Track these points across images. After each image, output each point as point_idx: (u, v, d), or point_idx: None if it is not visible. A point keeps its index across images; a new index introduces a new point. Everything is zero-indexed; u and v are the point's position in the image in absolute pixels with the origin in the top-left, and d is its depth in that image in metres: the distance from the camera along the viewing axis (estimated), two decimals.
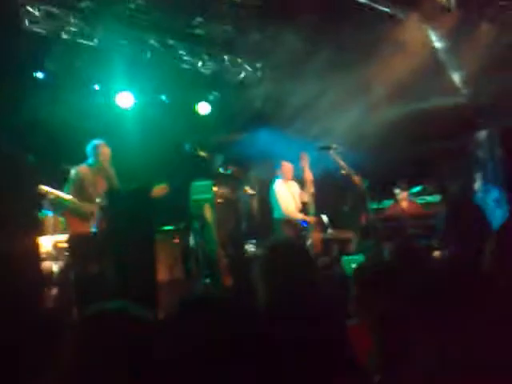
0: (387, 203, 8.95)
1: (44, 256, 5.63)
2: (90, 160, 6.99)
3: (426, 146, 9.33)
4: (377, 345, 2.69)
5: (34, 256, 4.52)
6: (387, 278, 3.02)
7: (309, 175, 8.45)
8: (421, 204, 8.97)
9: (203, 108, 9.73)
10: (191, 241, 7.30)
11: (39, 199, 6.08)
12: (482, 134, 8.88)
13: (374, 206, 8.45)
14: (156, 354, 1.54)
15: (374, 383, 2.53)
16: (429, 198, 9.16)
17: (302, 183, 8.58)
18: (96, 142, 7.03)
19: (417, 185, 9.34)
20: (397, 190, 8.72)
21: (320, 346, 2.50)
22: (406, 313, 2.16)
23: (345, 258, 7.68)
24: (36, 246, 4.59)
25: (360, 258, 7.06)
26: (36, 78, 8.07)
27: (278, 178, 8.57)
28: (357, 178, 8.12)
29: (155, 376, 1.49)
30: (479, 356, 1.72)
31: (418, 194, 9.29)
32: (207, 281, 6.93)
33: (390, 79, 8.68)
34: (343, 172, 8.17)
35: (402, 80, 8.59)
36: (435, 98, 9.17)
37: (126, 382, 1.47)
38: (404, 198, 8.66)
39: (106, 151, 7.00)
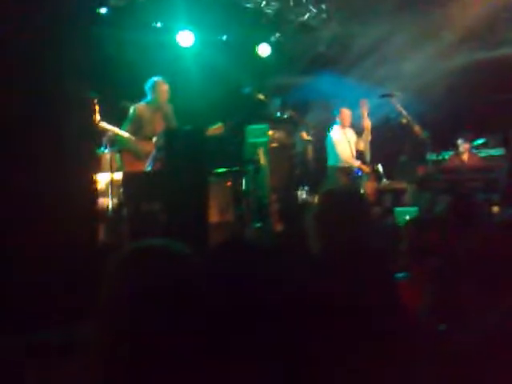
0: (447, 155, 8.71)
1: (100, 193, 5.71)
2: (149, 97, 7.02)
3: (491, 97, 8.99)
4: (428, 300, 2.64)
5: (91, 192, 4.59)
6: (441, 232, 2.96)
7: (367, 123, 8.31)
8: (483, 157, 8.71)
9: (264, 49, 9.57)
10: (244, 184, 7.28)
11: (98, 136, 6.14)
12: None
13: (433, 157, 8.25)
14: (197, 295, 1.53)
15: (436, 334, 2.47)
16: (492, 152, 8.88)
17: (359, 131, 8.44)
18: (155, 79, 7.04)
19: (480, 137, 9.05)
20: (459, 142, 8.47)
21: (370, 298, 2.46)
22: (458, 271, 2.10)
23: (398, 210, 7.56)
24: (93, 183, 4.66)
25: (414, 210, 6.93)
26: (99, 13, 8.06)
27: (335, 123, 8.44)
28: (417, 128, 7.93)
29: (195, 315, 1.48)
30: None
31: (481, 146, 9.01)
32: (258, 225, 6.93)
33: (460, 25, 8.33)
34: (403, 121, 7.98)
35: (472, 27, 8.24)
36: (505, 48, 8.79)
37: (164, 319, 1.46)
38: (465, 151, 8.41)
39: (164, 88, 7.01)
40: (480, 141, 9.03)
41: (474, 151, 8.71)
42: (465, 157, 8.39)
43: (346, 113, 8.43)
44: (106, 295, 1.53)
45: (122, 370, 1.45)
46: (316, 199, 3.41)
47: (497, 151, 8.88)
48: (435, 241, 2.87)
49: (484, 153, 8.85)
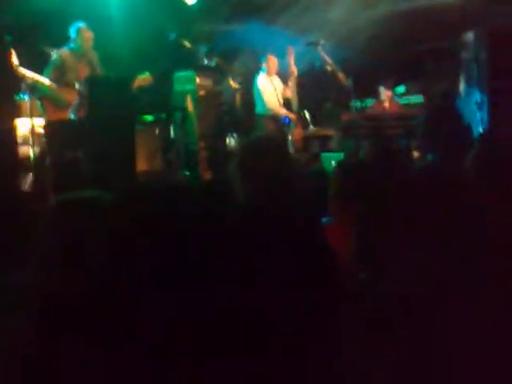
0: (370, 102, 8.88)
1: (20, 140, 5.57)
2: (72, 44, 6.82)
3: (412, 46, 9.17)
4: (355, 244, 2.72)
5: (10, 139, 4.47)
6: (366, 177, 3.04)
7: (294, 70, 8.34)
8: (404, 104, 8.92)
9: None
10: (172, 132, 7.24)
11: (16, 82, 5.94)
12: (469, 36, 8.73)
13: (357, 104, 8.40)
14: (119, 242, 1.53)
15: (358, 282, 2.56)
16: (412, 99, 9.11)
17: (285, 78, 8.46)
18: (79, 25, 6.83)
19: (401, 85, 9.25)
20: (380, 89, 8.63)
21: (297, 244, 2.52)
22: (384, 214, 2.17)
23: (325, 155, 7.72)
24: (12, 129, 4.53)
25: (340, 155, 7.08)
26: None
27: (262, 71, 8.42)
28: (341, 76, 8.03)
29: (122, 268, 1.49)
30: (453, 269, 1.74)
31: (402, 94, 9.22)
32: (186, 173, 6.94)
33: None
34: (328, 68, 8.06)
35: None
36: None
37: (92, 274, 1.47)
38: (387, 98, 8.59)
39: (88, 35, 6.83)
40: (401, 89, 9.23)
41: (395, 98, 8.91)
42: (386, 104, 8.57)
43: (273, 60, 8.40)
44: (36, 248, 1.53)
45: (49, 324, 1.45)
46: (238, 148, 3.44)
47: (416, 98, 9.11)
48: (359, 185, 2.95)
49: (404, 100, 9.07)
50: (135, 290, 1.46)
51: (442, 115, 3.81)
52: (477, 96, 7.91)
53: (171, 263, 1.47)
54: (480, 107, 7.67)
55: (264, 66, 8.37)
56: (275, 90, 8.35)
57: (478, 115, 7.67)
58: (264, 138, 3.26)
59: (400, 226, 2.02)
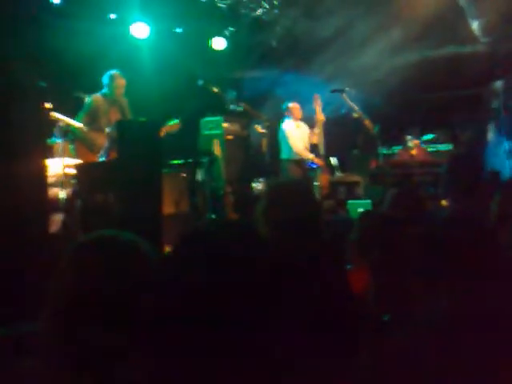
0: (397, 149, 8.90)
1: (51, 182, 5.67)
2: (105, 90, 7.07)
3: (440, 93, 9.20)
4: (373, 288, 2.72)
5: (41, 181, 4.55)
6: (387, 225, 3.04)
7: (320, 117, 8.42)
8: (431, 152, 8.91)
9: (218, 43, 9.58)
10: (199, 176, 7.31)
11: (50, 126, 6.09)
12: (498, 84, 8.75)
13: (384, 151, 8.41)
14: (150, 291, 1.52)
15: (370, 328, 2.55)
16: (440, 147, 9.09)
17: (312, 124, 8.54)
18: (112, 72, 7.08)
19: (429, 133, 9.26)
20: (408, 137, 8.65)
21: (320, 289, 2.52)
22: (403, 261, 2.17)
23: (351, 202, 7.70)
24: (43, 172, 4.62)
25: (367, 203, 7.07)
26: (52, 4, 7.95)
27: (287, 117, 8.52)
28: (368, 122, 8.07)
29: (145, 313, 1.47)
30: (475, 311, 1.73)
31: (430, 141, 9.22)
32: (212, 216, 6.98)
33: (409, 23, 8.50)
34: (355, 115, 8.11)
35: (421, 25, 8.41)
36: (453, 46, 9.00)
37: (113, 313, 1.46)
38: (415, 145, 8.60)
39: (121, 82, 7.06)
40: (429, 136, 9.24)
41: (423, 146, 8.91)
42: (414, 151, 8.57)
43: (295, 107, 8.51)
44: (57, 289, 1.51)
45: (70, 368, 1.44)
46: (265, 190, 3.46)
47: (445, 146, 9.10)
48: (379, 233, 2.95)
49: (433, 148, 9.06)
50: (156, 333, 1.45)
51: (461, 164, 3.81)
52: (506, 144, 7.90)
53: (192, 306, 1.46)
54: (510, 156, 7.64)
55: (286, 113, 8.48)
56: (301, 135, 8.43)
57: (508, 163, 7.64)
58: (290, 182, 3.28)
59: (418, 274, 2.01)
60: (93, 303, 1.44)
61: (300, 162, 8.29)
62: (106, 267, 1.48)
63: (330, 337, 2.24)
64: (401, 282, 2.27)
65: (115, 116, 6.95)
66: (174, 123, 6.88)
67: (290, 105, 8.50)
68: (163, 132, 6.62)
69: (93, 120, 6.86)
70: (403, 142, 8.71)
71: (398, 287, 2.41)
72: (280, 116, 8.63)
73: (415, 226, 2.81)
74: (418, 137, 8.77)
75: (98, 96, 7.01)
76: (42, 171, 4.52)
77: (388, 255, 2.73)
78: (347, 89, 8.13)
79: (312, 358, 1.98)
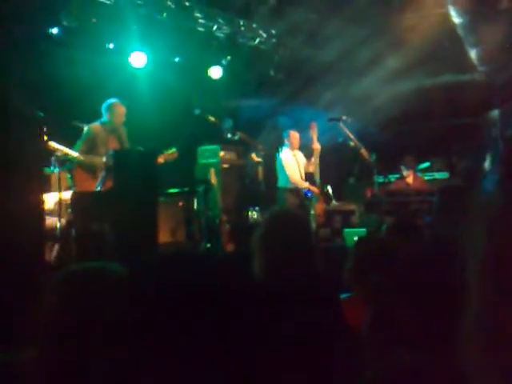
0: (393, 178, 8.92)
1: (48, 212, 5.67)
2: (104, 118, 7.07)
3: (437, 122, 9.27)
4: (368, 319, 2.70)
5: (38, 212, 4.55)
6: (384, 251, 3.05)
7: (317, 145, 8.46)
8: (428, 180, 8.94)
9: (215, 72, 9.65)
10: (195, 205, 7.32)
11: (47, 155, 6.11)
12: (496, 113, 8.79)
13: (380, 180, 8.44)
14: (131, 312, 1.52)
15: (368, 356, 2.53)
16: (436, 175, 9.13)
17: (308, 153, 8.58)
18: (112, 100, 7.10)
19: (425, 161, 9.30)
20: (403, 166, 8.68)
21: (313, 318, 2.51)
22: (398, 288, 2.16)
23: (347, 231, 7.70)
24: (40, 202, 4.62)
25: (362, 231, 7.07)
26: (51, 34, 8.03)
27: (284, 146, 8.56)
28: (364, 151, 8.10)
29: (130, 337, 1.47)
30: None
31: (426, 170, 9.26)
32: (208, 245, 6.97)
33: (405, 52, 8.59)
34: (351, 144, 8.15)
35: (419, 53, 8.49)
36: (451, 75, 9.08)
37: (99, 341, 1.46)
38: (411, 174, 8.63)
39: (121, 111, 7.08)
40: (425, 164, 9.28)
41: (419, 174, 8.94)
42: (409, 180, 8.60)
43: (295, 135, 8.57)
44: (44, 319, 1.51)
45: None
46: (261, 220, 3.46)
47: (441, 175, 9.13)
48: (375, 259, 2.96)
49: (429, 176, 9.09)
50: (146, 362, 1.45)
51: (452, 194, 3.81)
52: None
53: (185, 333, 1.46)
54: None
55: (286, 141, 8.54)
56: (298, 164, 8.47)
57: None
58: (286, 212, 3.29)
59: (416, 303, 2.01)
60: (78, 331, 1.44)
61: (296, 191, 8.30)
62: (90, 298, 1.48)
63: (322, 370, 2.23)
64: (396, 310, 2.26)
65: (113, 145, 6.95)
66: (171, 152, 6.90)
67: (291, 132, 8.54)
68: (161, 160, 6.64)
69: (91, 149, 6.85)
70: (399, 171, 8.74)
71: (393, 315, 2.40)
72: (276, 144, 8.66)
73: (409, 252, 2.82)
74: (414, 165, 8.79)
75: (96, 125, 7.00)
76: (39, 202, 4.53)
77: (385, 280, 2.73)
78: (344, 117, 8.17)
79: None
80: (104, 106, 7.08)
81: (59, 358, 1.44)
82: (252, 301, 2.00)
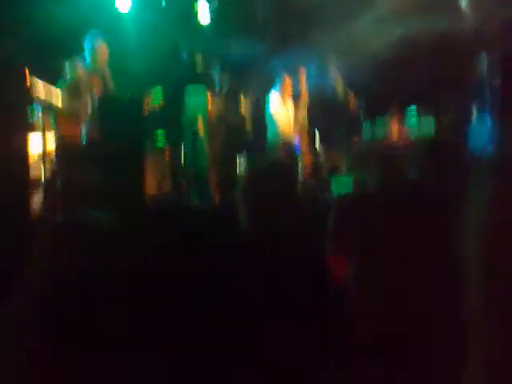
0: (381, 127, 8.89)
1: (32, 158, 5.61)
2: (87, 60, 6.93)
3: (424, 70, 9.18)
4: (351, 273, 2.74)
5: (22, 155, 4.51)
6: (369, 203, 3.06)
7: (305, 92, 8.37)
8: (414, 129, 8.89)
9: (204, 15, 9.44)
10: (182, 155, 7.28)
11: (30, 95, 6.00)
12: (483, 61, 8.73)
13: (368, 129, 8.40)
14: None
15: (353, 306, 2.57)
16: (423, 124, 9.08)
17: (296, 100, 8.49)
18: (95, 41, 6.95)
19: (412, 109, 9.25)
20: (391, 114, 8.65)
21: (297, 268, 2.54)
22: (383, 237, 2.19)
23: (334, 179, 7.72)
24: (24, 145, 4.58)
25: (350, 180, 7.07)
26: None
27: (275, 92, 8.43)
28: (353, 98, 8.05)
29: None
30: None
31: (412, 115, 9.21)
32: (195, 197, 6.96)
33: None
34: (340, 90, 8.08)
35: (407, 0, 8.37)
36: (440, 22, 8.95)
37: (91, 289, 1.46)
38: (397, 122, 8.59)
39: (103, 51, 6.93)
40: (412, 113, 9.23)
41: (406, 123, 8.91)
42: (395, 131, 8.57)
43: (288, 82, 8.43)
44: (34, 269, 1.51)
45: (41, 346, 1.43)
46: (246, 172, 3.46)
47: (428, 123, 9.09)
48: (358, 214, 2.97)
49: (415, 125, 9.04)
50: (128, 312, 1.46)
51: (439, 145, 3.82)
52: (489, 123, 7.93)
53: (170, 284, 1.48)
54: (492, 134, 7.67)
55: (279, 87, 8.38)
56: (288, 112, 8.38)
57: (490, 142, 7.67)
58: (272, 161, 3.29)
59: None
60: (70, 283, 1.42)
61: (285, 142, 8.26)
62: (84, 247, 1.48)
63: (305, 319, 2.26)
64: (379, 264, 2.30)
65: (97, 86, 6.81)
66: (156, 92, 6.80)
67: (283, 79, 8.39)
68: (146, 103, 6.53)
69: (73, 90, 6.73)
70: (387, 120, 8.71)
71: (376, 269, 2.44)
72: (266, 91, 8.56)
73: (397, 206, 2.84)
74: (401, 113, 8.76)
75: (78, 65, 6.87)
76: (23, 145, 4.48)
77: (369, 237, 2.75)
78: (334, 63, 8.07)
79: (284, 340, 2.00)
80: (86, 46, 6.94)
81: (50, 307, 1.44)
82: (240, 250, 2.02)
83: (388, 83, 9.22)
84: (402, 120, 8.71)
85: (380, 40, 8.64)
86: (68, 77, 6.78)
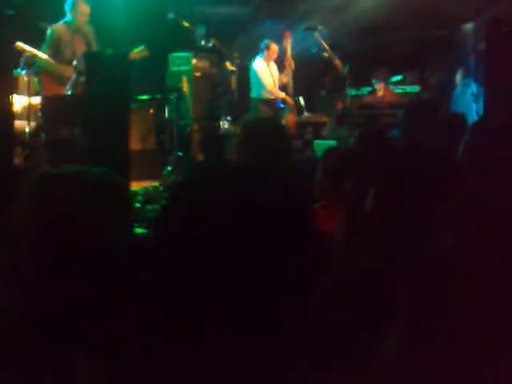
0: (365, 90, 8.90)
1: (17, 116, 5.58)
2: (68, 18, 6.80)
3: (410, 34, 9.17)
4: (343, 224, 2.76)
5: (7, 113, 4.49)
6: (353, 161, 3.09)
7: (290, 55, 8.34)
8: (400, 93, 8.93)
9: None
10: (166, 113, 7.25)
11: (14, 56, 5.94)
12: (468, 26, 8.75)
13: (352, 92, 8.41)
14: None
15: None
16: (408, 89, 9.11)
17: (281, 63, 8.45)
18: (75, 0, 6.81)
19: (397, 74, 9.27)
20: (373, 81, 8.65)
21: (286, 225, 2.54)
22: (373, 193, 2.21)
23: (317, 143, 7.76)
24: (9, 104, 4.55)
25: (333, 143, 7.12)
26: None
27: (259, 55, 8.38)
28: (338, 63, 8.03)
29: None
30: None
31: (398, 83, 9.23)
32: (179, 153, 6.96)
33: None
34: (325, 55, 8.06)
35: None
36: None
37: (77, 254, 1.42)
38: (382, 87, 8.60)
39: (84, 8, 6.81)
40: (397, 78, 9.25)
41: (391, 87, 8.92)
42: (381, 93, 8.58)
43: (274, 47, 8.34)
44: (17, 220, 1.46)
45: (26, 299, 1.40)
46: (237, 130, 3.47)
47: (413, 88, 9.12)
48: (347, 167, 3.00)
49: (400, 89, 9.07)
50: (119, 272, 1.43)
51: (419, 112, 3.83)
52: (473, 87, 7.97)
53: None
54: (476, 99, 7.71)
55: (265, 51, 8.32)
56: (272, 75, 8.35)
57: (474, 106, 7.73)
58: (266, 120, 3.29)
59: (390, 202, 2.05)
60: (56, 238, 1.42)
61: (269, 102, 8.24)
62: (73, 199, 1.42)
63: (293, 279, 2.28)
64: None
65: (80, 46, 6.76)
66: (140, 49, 6.74)
67: (271, 44, 8.32)
68: (130, 58, 6.47)
69: (57, 51, 6.65)
70: (371, 84, 8.71)
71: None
72: (251, 54, 8.51)
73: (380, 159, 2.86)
74: (386, 79, 8.76)
75: (60, 25, 6.77)
76: (8, 103, 4.46)
77: (358, 187, 2.77)
78: (320, 27, 8.03)
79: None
80: (67, 4, 6.79)
81: (35, 259, 1.42)
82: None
83: (374, 48, 9.21)
84: (386, 87, 8.71)
85: (368, 4, 8.61)
86: (50, 38, 6.69)
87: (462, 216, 1.77)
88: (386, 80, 8.71)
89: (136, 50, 6.67)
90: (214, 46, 8.29)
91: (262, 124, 2.97)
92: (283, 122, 8.01)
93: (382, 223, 1.98)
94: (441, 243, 1.59)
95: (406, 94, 8.84)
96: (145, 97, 7.36)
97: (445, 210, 1.82)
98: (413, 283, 1.43)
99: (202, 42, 8.31)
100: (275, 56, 8.38)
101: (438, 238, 1.67)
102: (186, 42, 8.48)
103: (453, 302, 1.33)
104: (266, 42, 8.33)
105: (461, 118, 4.41)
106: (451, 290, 1.34)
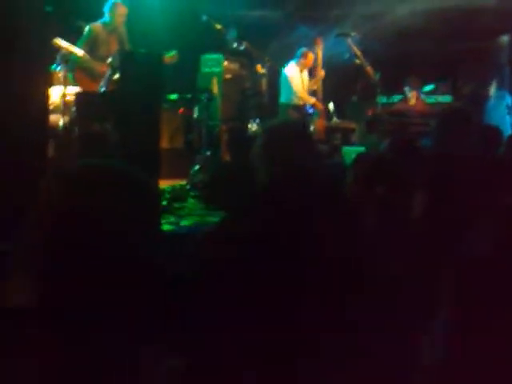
0: (396, 98, 8.86)
1: (51, 108, 5.66)
2: (106, 18, 7.01)
3: (444, 45, 9.12)
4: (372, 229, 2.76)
5: (43, 107, 4.56)
6: (384, 167, 3.09)
7: (321, 62, 8.32)
8: (431, 103, 8.87)
9: None
10: (195, 113, 7.30)
11: (52, 52, 6.04)
12: (505, 39, 8.68)
13: (383, 99, 8.38)
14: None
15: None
16: (440, 98, 9.05)
17: (312, 69, 8.45)
18: (114, 0, 6.97)
19: (430, 83, 9.21)
20: (406, 89, 8.60)
21: (312, 229, 2.55)
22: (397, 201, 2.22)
23: (346, 149, 7.74)
24: (45, 98, 4.63)
25: (361, 149, 7.10)
26: None
27: (293, 61, 8.36)
28: (370, 69, 8.01)
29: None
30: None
31: (430, 92, 9.17)
32: (207, 153, 7.00)
33: None
34: (357, 61, 8.04)
35: None
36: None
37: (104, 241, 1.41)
38: (414, 95, 8.56)
39: (122, 11, 7.01)
40: (429, 87, 9.19)
41: (422, 97, 8.87)
42: (412, 102, 8.54)
43: (311, 57, 8.28)
44: (44, 211, 1.45)
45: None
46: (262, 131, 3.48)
47: (445, 98, 9.06)
48: (378, 172, 3.00)
49: (432, 99, 9.01)
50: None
51: (451, 121, 3.80)
52: (508, 100, 7.91)
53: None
54: (510, 111, 7.66)
55: (300, 59, 8.29)
56: (302, 81, 8.35)
57: (508, 119, 7.67)
58: (291, 123, 3.29)
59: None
60: (77, 230, 1.42)
61: (298, 107, 8.23)
62: (99, 193, 1.37)
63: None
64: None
65: (114, 45, 6.95)
66: (171, 55, 6.83)
67: (306, 52, 8.26)
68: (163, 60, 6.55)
69: (92, 49, 6.84)
70: (403, 92, 8.67)
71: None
72: (282, 59, 8.52)
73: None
74: (418, 87, 8.71)
75: (97, 24, 6.98)
76: (44, 98, 4.53)
77: (389, 193, 2.78)
78: (353, 34, 8.02)
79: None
80: (106, 5, 7.02)
81: (62, 252, 1.42)
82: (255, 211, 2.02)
83: (406, 56, 9.18)
84: (418, 96, 8.65)
85: (402, 11, 8.58)
86: (87, 36, 6.88)
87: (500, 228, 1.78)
88: (418, 89, 8.67)
89: (168, 55, 6.76)
90: (245, 48, 8.32)
91: (284, 126, 2.98)
92: (312, 127, 8.01)
93: (436, 225, 1.99)
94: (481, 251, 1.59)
95: (437, 103, 8.78)
96: (175, 96, 7.42)
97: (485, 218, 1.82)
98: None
99: (234, 45, 8.34)
100: (310, 65, 8.36)
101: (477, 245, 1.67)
102: (218, 45, 8.53)
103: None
104: (304, 50, 8.31)
105: (495, 131, 4.38)
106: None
